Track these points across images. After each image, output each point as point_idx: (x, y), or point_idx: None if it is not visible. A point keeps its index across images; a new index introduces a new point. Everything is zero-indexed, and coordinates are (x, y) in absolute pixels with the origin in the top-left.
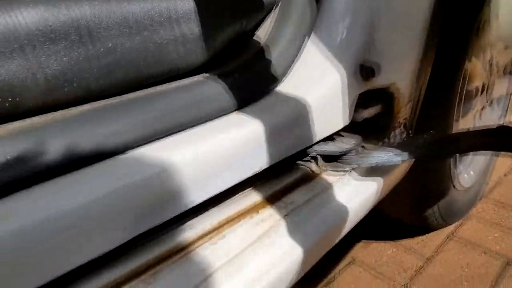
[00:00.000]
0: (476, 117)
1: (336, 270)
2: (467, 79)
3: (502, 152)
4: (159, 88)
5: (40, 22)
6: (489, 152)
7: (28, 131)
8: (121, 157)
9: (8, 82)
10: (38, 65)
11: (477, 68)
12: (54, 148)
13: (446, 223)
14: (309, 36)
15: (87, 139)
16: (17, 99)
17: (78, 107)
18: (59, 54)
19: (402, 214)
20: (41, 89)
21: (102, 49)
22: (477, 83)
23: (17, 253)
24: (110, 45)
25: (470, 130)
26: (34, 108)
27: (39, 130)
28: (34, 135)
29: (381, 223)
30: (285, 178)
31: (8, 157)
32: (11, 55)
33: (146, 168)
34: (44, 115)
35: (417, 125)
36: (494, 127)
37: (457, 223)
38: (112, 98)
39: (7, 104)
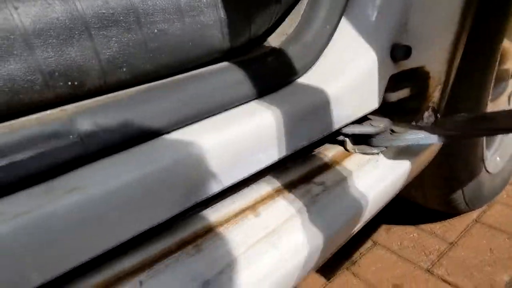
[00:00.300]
0: (510, 101)
1: (358, 253)
2: (498, 60)
3: None
4: (203, 70)
5: (95, 9)
6: None
7: (88, 111)
8: (175, 133)
9: (68, 67)
10: (93, 51)
11: (510, 49)
12: (111, 127)
13: (470, 209)
14: (341, 19)
15: (135, 120)
16: (76, 82)
17: (124, 90)
18: (111, 39)
19: (427, 199)
20: (96, 73)
21: (149, 34)
22: (509, 65)
23: (84, 221)
24: (155, 30)
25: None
26: (88, 91)
27: (97, 110)
28: (93, 115)
29: (403, 207)
30: (315, 160)
31: (74, 135)
32: (72, 41)
33: (188, 149)
34: (96, 98)
35: (447, 108)
36: None
37: (481, 209)
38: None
39: (67, 87)
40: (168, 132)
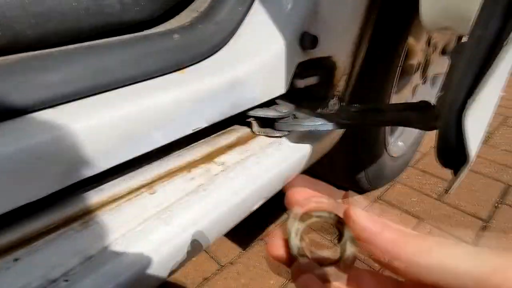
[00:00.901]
0: (412, 94)
1: (274, 225)
2: (404, 55)
3: None
4: (100, 41)
5: None
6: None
7: None
8: (59, 108)
9: None
10: None
11: (415, 46)
12: None
13: (373, 187)
14: (253, 2)
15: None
16: None
17: (8, 56)
18: None
19: (337, 177)
20: None
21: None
22: (415, 60)
23: None
24: None
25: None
26: None
27: None
28: None
29: None
30: (221, 140)
31: None
32: None
33: (84, 119)
34: None
35: (351, 97)
36: (417, 102)
37: (384, 188)
38: (51, 49)
39: None
40: (51, 106)
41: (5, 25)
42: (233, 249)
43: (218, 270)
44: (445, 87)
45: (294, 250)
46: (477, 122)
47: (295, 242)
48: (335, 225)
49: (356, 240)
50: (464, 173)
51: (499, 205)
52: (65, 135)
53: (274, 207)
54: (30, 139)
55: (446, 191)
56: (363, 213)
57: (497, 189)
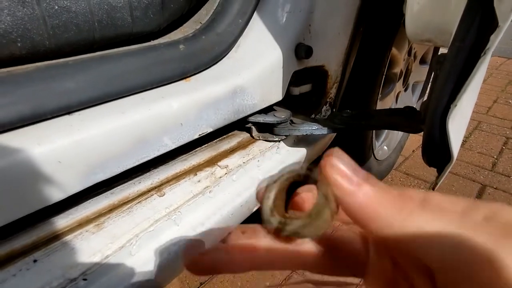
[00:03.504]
0: (395, 100)
1: None
2: (388, 65)
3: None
4: (112, 51)
5: None
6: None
7: None
8: (75, 114)
9: None
10: None
11: (399, 55)
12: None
13: None
14: (253, 14)
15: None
16: None
17: (28, 65)
18: (2, 12)
19: None
20: None
21: (48, 10)
22: (398, 69)
23: None
24: (56, 7)
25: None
26: None
27: None
28: None
29: None
30: (223, 145)
31: None
32: None
33: (99, 124)
34: None
35: (342, 104)
36: (402, 108)
37: None
38: (65, 58)
39: None
40: (68, 113)
41: (25, 37)
42: None
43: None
44: (429, 94)
45: (266, 214)
46: (458, 125)
47: (266, 205)
48: (308, 182)
49: (329, 198)
50: (448, 170)
51: None
52: (82, 140)
53: None
54: (51, 143)
55: (433, 188)
56: (340, 163)
57: (474, 189)
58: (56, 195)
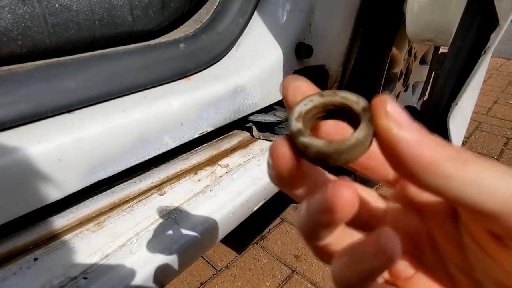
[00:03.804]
0: (397, 99)
1: (268, 229)
2: (388, 65)
3: None
4: (112, 50)
5: None
6: None
7: None
8: (75, 112)
9: None
10: None
11: (399, 56)
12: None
13: None
14: (253, 14)
15: (37, 93)
16: None
17: (28, 63)
18: (3, 10)
19: None
20: None
21: (49, 9)
22: (398, 69)
23: None
24: (57, 5)
25: None
26: None
27: None
28: None
29: None
30: (223, 144)
31: None
32: None
33: (99, 123)
34: None
35: None
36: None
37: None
38: (65, 57)
39: None
40: (69, 111)
41: (26, 35)
42: (228, 253)
43: (215, 274)
44: (429, 93)
45: (293, 129)
46: (459, 123)
47: (295, 122)
48: (354, 114)
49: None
50: None
51: None
52: (82, 138)
53: (267, 212)
54: (51, 141)
55: None
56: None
57: None
58: (57, 193)
